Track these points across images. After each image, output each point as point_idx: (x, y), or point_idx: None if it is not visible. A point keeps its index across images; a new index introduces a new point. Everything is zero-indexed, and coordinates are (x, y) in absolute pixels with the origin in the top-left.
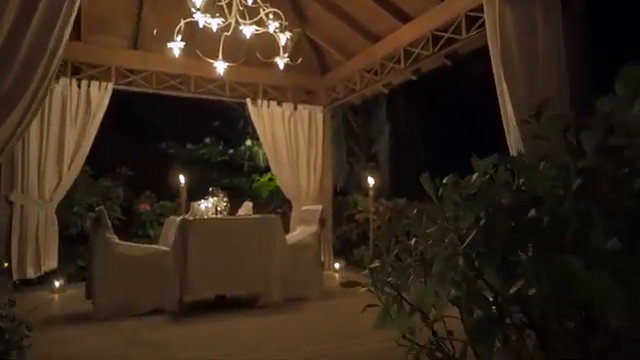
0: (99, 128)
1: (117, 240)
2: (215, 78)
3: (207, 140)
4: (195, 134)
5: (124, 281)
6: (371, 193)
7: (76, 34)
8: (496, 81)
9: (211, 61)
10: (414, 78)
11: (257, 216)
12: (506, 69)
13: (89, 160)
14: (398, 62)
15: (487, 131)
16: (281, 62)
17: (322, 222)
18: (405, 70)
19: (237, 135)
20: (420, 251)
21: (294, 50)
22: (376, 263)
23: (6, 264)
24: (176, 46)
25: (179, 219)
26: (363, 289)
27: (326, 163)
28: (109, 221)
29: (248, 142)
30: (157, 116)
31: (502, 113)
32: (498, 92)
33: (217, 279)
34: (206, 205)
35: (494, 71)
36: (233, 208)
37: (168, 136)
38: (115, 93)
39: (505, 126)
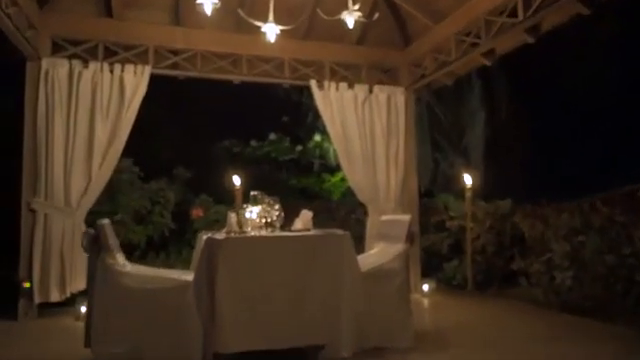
0: (155, 125)
1: (124, 267)
2: (271, 56)
3: (272, 136)
4: (263, 131)
5: (131, 325)
6: (468, 195)
7: (107, 10)
8: None
9: (258, 24)
10: (530, 41)
11: (317, 233)
12: None
13: (138, 160)
14: (513, 14)
15: (615, 120)
16: (350, 18)
17: (411, 239)
18: (521, 25)
19: (306, 130)
20: None
21: (369, 15)
22: None
23: (27, 284)
24: (208, 0)
25: (205, 237)
26: None
27: (410, 157)
28: (114, 239)
29: (317, 137)
30: (219, 112)
31: None
32: None
33: (260, 327)
34: (248, 216)
35: None
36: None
37: (232, 133)
38: (173, 87)
39: None
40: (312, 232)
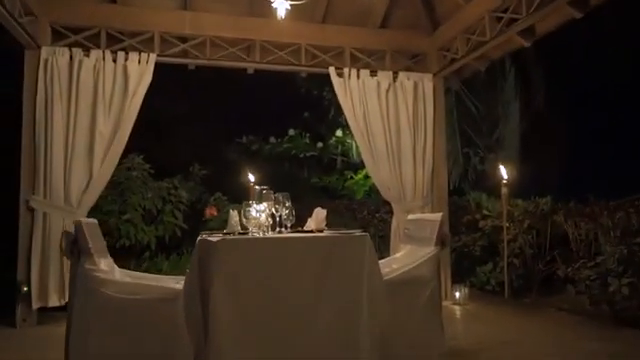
0: (171, 120)
1: (107, 274)
2: (287, 42)
3: (291, 132)
4: (283, 127)
5: (114, 340)
6: (504, 191)
7: None
8: None
9: None
10: (577, 16)
11: (333, 233)
12: None
13: (154, 156)
14: None
15: None
16: None
17: (443, 240)
18: None
19: (328, 127)
20: None
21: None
22: None
23: (25, 288)
24: None
25: (199, 239)
26: None
27: (439, 151)
28: (98, 241)
29: (338, 132)
30: (237, 108)
31: None
32: None
33: (264, 345)
34: (253, 214)
35: None
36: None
37: (250, 130)
38: (189, 81)
39: None
40: (326, 233)
